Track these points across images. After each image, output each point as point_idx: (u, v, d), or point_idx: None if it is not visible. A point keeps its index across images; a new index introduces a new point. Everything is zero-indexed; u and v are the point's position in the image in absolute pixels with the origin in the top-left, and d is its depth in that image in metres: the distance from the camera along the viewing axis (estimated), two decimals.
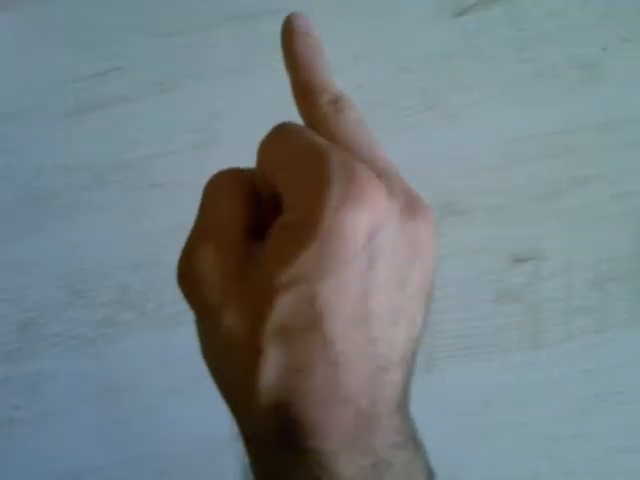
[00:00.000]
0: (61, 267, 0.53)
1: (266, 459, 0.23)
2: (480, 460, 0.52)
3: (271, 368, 0.21)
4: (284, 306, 0.21)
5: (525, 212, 0.53)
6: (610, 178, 0.53)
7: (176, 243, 0.59)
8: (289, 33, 0.27)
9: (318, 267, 0.20)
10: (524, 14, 0.54)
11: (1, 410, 0.54)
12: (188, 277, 0.24)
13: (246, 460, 0.23)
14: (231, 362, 0.23)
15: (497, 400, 0.52)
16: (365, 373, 0.21)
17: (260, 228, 0.24)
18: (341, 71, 0.53)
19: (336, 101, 0.25)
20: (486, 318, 0.53)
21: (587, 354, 0.52)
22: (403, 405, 0.22)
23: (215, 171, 0.57)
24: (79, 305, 0.53)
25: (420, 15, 0.54)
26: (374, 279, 0.21)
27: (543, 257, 0.53)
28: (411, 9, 0.54)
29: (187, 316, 0.57)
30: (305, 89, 0.26)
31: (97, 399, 0.54)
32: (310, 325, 0.21)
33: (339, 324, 0.21)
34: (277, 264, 0.21)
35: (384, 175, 0.23)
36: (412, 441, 0.23)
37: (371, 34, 0.54)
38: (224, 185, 0.26)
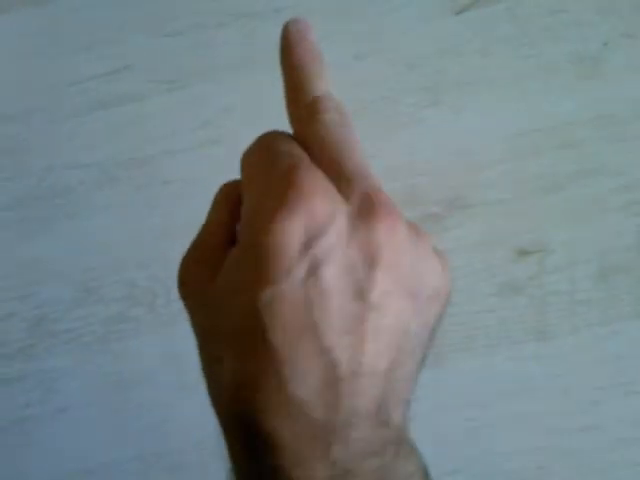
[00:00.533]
0: (71, 264, 0.55)
1: (241, 468, 0.24)
2: (487, 452, 0.53)
3: (228, 380, 0.22)
4: (232, 319, 0.22)
5: (529, 206, 0.54)
6: (613, 171, 0.54)
7: (185, 240, 0.61)
8: (287, 36, 0.27)
9: (256, 280, 0.21)
10: (525, 10, 0.55)
11: (14, 408, 0.55)
12: (179, 282, 0.27)
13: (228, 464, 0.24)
14: (206, 371, 0.25)
15: (502, 393, 0.53)
16: (317, 384, 0.21)
17: None
18: (344, 68, 0.55)
19: (319, 102, 0.25)
20: (491, 311, 0.54)
21: (592, 346, 0.53)
22: (380, 412, 0.22)
23: (223, 170, 0.59)
24: (90, 302, 0.55)
25: (422, 13, 0.55)
26: (317, 287, 0.21)
27: (547, 250, 0.54)
28: (413, 7, 0.55)
29: None
30: (294, 91, 0.26)
31: (109, 395, 0.55)
32: (256, 337, 0.21)
33: (283, 335, 0.21)
34: (226, 276, 0.23)
35: (345, 178, 0.22)
36: (394, 446, 0.22)
37: (374, 32, 0.55)
38: (217, 196, 0.28)
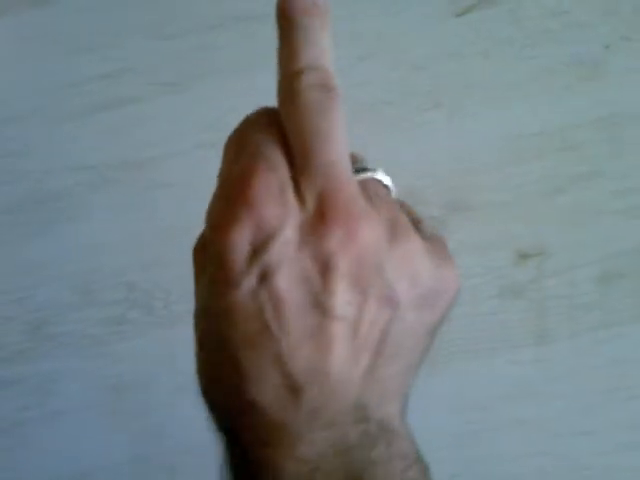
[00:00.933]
0: (70, 267, 0.55)
1: (225, 459, 0.25)
2: (486, 456, 0.53)
3: (199, 369, 0.23)
4: (200, 318, 0.23)
5: (529, 208, 0.54)
6: (613, 174, 0.54)
7: (184, 242, 0.61)
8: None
9: (212, 290, 0.22)
10: (526, 12, 0.55)
11: (13, 410, 0.55)
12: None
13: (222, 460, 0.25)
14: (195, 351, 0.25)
15: (502, 396, 0.53)
16: (275, 389, 0.21)
17: None
18: (346, 70, 0.55)
19: (302, 76, 0.23)
20: (491, 314, 0.54)
21: (592, 350, 0.54)
22: (357, 411, 0.22)
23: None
24: (88, 304, 0.55)
25: (423, 15, 0.55)
26: (270, 296, 0.21)
27: (548, 253, 0.54)
28: (414, 9, 0.55)
29: (192, 315, 0.58)
30: (282, 55, 0.24)
31: (107, 398, 0.55)
32: (217, 341, 0.22)
33: (240, 342, 0.21)
34: (197, 274, 0.24)
35: (307, 175, 0.21)
36: (379, 439, 0.23)
37: (375, 34, 0.55)
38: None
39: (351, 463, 0.22)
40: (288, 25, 0.24)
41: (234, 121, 0.56)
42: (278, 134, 0.23)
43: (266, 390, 0.21)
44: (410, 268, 0.22)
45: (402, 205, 0.25)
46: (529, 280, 0.54)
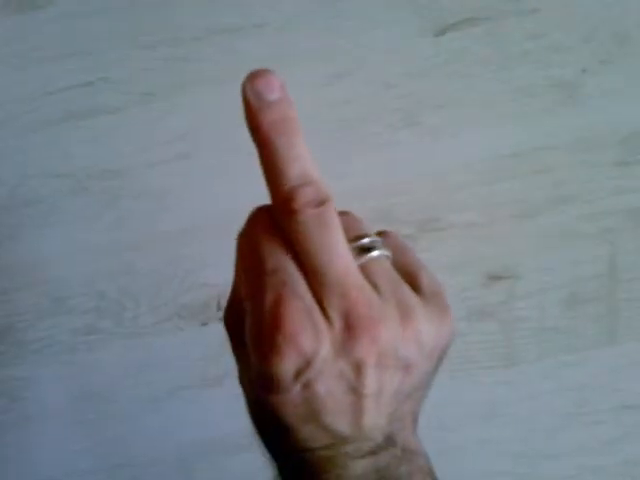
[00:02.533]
0: (41, 274, 0.57)
1: None
2: (452, 476, 0.55)
3: (261, 437, 0.30)
4: (252, 407, 0.30)
5: (501, 230, 0.56)
6: (586, 198, 0.56)
7: (156, 252, 0.63)
8: (247, 104, 0.26)
9: (262, 390, 0.27)
10: (505, 34, 0.57)
11: None
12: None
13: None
14: None
15: (468, 417, 0.55)
16: (324, 440, 0.28)
17: None
18: (322, 87, 0.57)
19: (294, 197, 0.25)
20: (460, 335, 0.55)
21: (559, 373, 0.55)
22: (388, 441, 0.28)
23: (195, 184, 0.60)
24: (58, 312, 0.56)
25: (402, 33, 0.57)
26: (312, 394, 0.27)
27: (518, 276, 0.56)
28: (393, 27, 0.57)
29: (163, 326, 0.60)
30: (268, 174, 0.26)
31: (75, 406, 0.57)
32: (272, 420, 0.28)
33: (291, 420, 0.27)
34: (243, 370, 0.30)
35: (327, 293, 0.26)
36: (402, 458, 0.29)
37: (353, 51, 0.57)
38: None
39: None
40: (265, 145, 0.26)
41: (207, 133, 0.58)
42: (283, 245, 0.27)
43: (316, 441, 0.28)
44: (418, 339, 0.27)
45: (399, 257, 0.30)
46: (498, 302, 0.56)
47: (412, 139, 0.57)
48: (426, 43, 0.57)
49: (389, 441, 0.28)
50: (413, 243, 0.56)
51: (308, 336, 0.25)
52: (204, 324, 0.55)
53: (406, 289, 0.28)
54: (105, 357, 0.57)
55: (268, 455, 0.30)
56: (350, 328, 0.26)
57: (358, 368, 0.26)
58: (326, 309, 0.26)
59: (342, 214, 0.28)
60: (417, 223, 0.56)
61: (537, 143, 0.56)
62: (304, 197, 0.25)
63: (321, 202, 0.25)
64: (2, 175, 0.57)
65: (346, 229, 0.27)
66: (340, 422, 0.27)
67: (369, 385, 0.27)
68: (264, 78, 0.26)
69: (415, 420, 0.30)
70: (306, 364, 0.26)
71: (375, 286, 0.27)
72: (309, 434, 0.28)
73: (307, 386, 0.26)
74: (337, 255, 0.26)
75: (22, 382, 0.57)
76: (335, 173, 0.57)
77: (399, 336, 0.27)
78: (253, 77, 0.26)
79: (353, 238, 0.28)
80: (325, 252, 0.26)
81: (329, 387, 0.27)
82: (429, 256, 0.58)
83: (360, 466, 0.28)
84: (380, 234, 0.31)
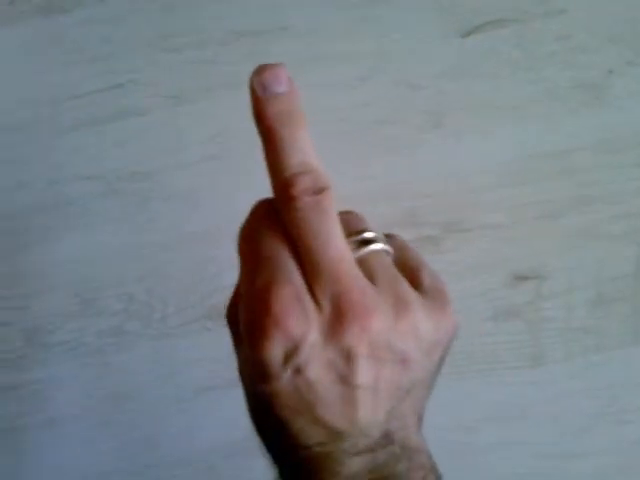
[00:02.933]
0: (70, 276, 0.57)
1: None
2: (478, 476, 0.55)
3: (258, 432, 0.30)
4: (249, 399, 0.29)
5: (527, 231, 0.57)
6: (612, 198, 0.57)
7: (185, 254, 0.63)
8: (253, 95, 0.27)
9: (255, 379, 0.27)
10: (531, 36, 0.57)
11: (8, 418, 0.58)
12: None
13: None
14: None
15: (495, 417, 0.56)
16: (318, 436, 0.27)
17: None
18: (347, 89, 0.57)
19: (292, 183, 0.26)
20: (487, 335, 0.56)
21: (587, 373, 0.56)
22: (386, 438, 0.28)
23: (224, 185, 0.61)
24: (86, 314, 0.57)
25: (428, 35, 0.57)
26: (304, 381, 0.26)
27: (544, 276, 0.56)
28: (420, 29, 0.58)
29: (190, 327, 0.60)
30: (269, 162, 0.27)
31: (102, 407, 0.57)
32: (267, 413, 0.28)
33: (285, 411, 0.27)
34: (239, 361, 0.30)
35: (318, 278, 0.26)
36: (401, 456, 0.28)
37: (379, 53, 0.57)
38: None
39: (381, 476, 0.28)
40: (269, 135, 0.27)
41: (235, 135, 0.59)
42: (282, 233, 0.27)
43: (310, 436, 0.27)
44: (414, 333, 0.27)
45: (399, 254, 0.30)
46: (525, 302, 0.56)
47: (437, 140, 0.58)
48: (452, 45, 0.57)
49: (387, 439, 0.28)
50: (438, 244, 0.57)
51: (296, 319, 0.26)
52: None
53: (404, 284, 0.28)
54: (132, 358, 0.57)
55: (268, 456, 0.30)
56: (340, 314, 0.26)
57: (348, 357, 0.26)
58: (317, 294, 0.26)
59: (345, 212, 0.29)
60: (442, 224, 0.57)
61: (563, 144, 0.57)
62: (303, 184, 0.26)
63: (319, 190, 0.26)
64: (33, 178, 0.57)
65: (348, 224, 0.28)
66: (334, 415, 0.27)
67: (361, 376, 0.27)
68: (272, 71, 0.27)
69: (419, 419, 0.30)
70: (294, 348, 0.26)
71: (372, 279, 0.27)
72: (304, 429, 0.27)
73: (297, 373, 0.26)
74: (331, 242, 0.26)
75: (49, 384, 0.58)
76: (360, 175, 0.58)
77: (393, 328, 0.27)
78: (261, 70, 0.27)
79: (354, 232, 0.28)
80: (320, 238, 0.26)
81: (320, 375, 0.26)
82: (455, 257, 0.59)
83: (357, 463, 0.27)
84: (385, 236, 0.31)
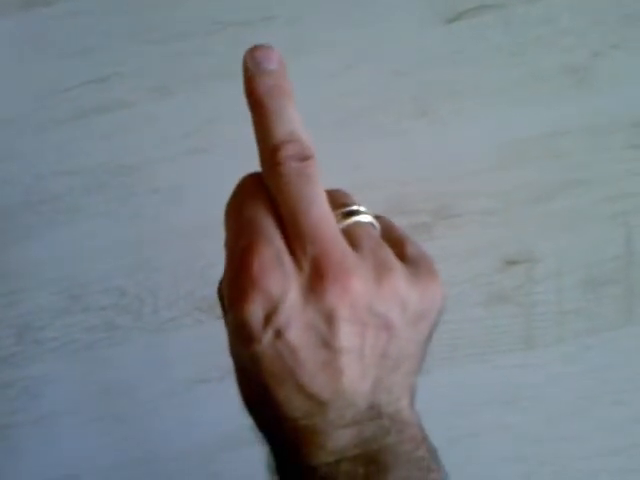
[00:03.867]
0: (59, 271, 0.58)
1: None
2: (471, 461, 0.56)
3: (242, 393, 0.31)
4: (236, 366, 0.29)
5: (517, 215, 0.57)
6: (601, 181, 0.57)
7: (173, 247, 0.63)
8: (245, 70, 0.29)
9: (238, 343, 0.28)
10: (516, 20, 0.58)
11: (0, 415, 0.58)
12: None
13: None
14: None
15: (489, 401, 0.56)
16: (302, 406, 0.28)
17: None
18: (333, 78, 0.58)
19: (278, 150, 0.27)
20: (478, 320, 0.57)
21: (579, 356, 0.57)
22: (372, 410, 0.28)
23: (211, 178, 0.61)
24: (76, 309, 0.57)
25: (413, 21, 0.58)
26: (285, 345, 0.27)
27: (535, 260, 0.57)
28: (404, 15, 0.58)
29: (182, 320, 0.61)
30: (258, 132, 0.28)
31: (95, 403, 0.58)
32: (251, 380, 0.28)
33: (269, 377, 0.27)
34: (226, 327, 0.29)
35: (299, 240, 0.26)
36: (392, 429, 0.29)
37: (364, 40, 0.58)
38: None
39: (369, 450, 0.28)
40: (258, 107, 0.28)
41: (222, 127, 0.59)
42: (267, 201, 0.28)
43: (295, 407, 0.28)
44: (398, 298, 0.28)
45: (386, 229, 0.31)
46: (516, 286, 0.57)
47: (424, 127, 0.58)
48: (437, 31, 0.58)
49: (374, 411, 0.28)
50: (429, 231, 0.57)
51: (275, 279, 0.26)
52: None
53: (388, 252, 0.28)
54: (124, 353, 0.58)
55: (260, 434, 0.30)
56: (320, 274, 0.26)
57: (329, 319, 0.26)
58: (297, 255, 0.26)
59: (334, 189, 0.30)
60: (432, 211, 0.57)
61: (550, 128, 0.58)
62: (288, 151, 0.27)
63: (304, 157, 0.27)
64: (17, 174, 0.58)
65: (336, 199, 0.29)
66: (317, 383, 0.27)
67: (344, 339, 0.27)
68: (264, 50, 0.29)
69: (412, 395, 0.30)
70: (274, 308, 0.26)
71: (355, 246, 0.28)
72: (288, 398, 0.27)
73: (278, 335, 0.26)
74: (314, 205, 0.27)
75: (40, 380, 0.58)
76: (348, 164, 0.58)
77: (375, 292, 0.27)
78: (254, 49, 0.29)
79: (341, 205, 0.29)
80: (303, 202, 0.27)
81: (301, 338, 0.26)
82: (445, 243, 0.59)
83: (343, 436, 0.28)
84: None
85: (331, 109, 0.57)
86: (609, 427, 0.56)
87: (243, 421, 0.59)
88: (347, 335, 0.27)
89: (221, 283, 0.31)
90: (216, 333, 0.57)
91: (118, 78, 0.57)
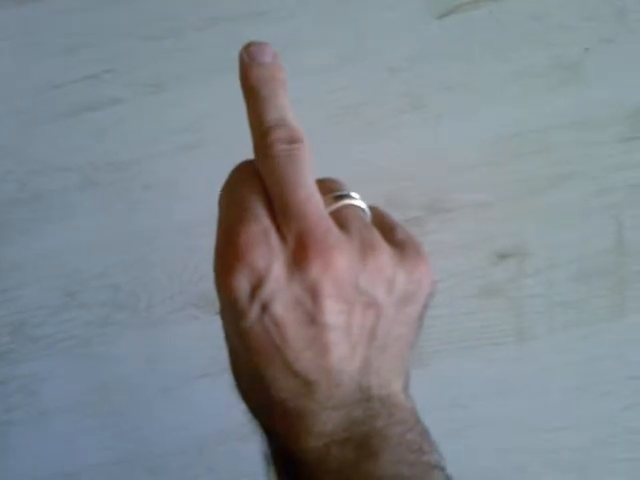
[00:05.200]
0: (54, 268, 0.58)
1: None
2: (466, 453, 0.57)
3: (235, 373, 0.31)
4: (227, 345, 0.30)
5: (508, 209, 0.58)
6: (592, 174, 0.58)
7: (168, 243, 0.64)
8: (241, 61, 0.30)
9: (227, 317, 0.28)
10: (507, 15, 0.59)
11: None
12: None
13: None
14: None
15: (482, 393, 0.57)
16: (292, 386, 0.28)
17: None
18: (326, 73, 0.58)
19: (269, 133, 0.28)
20: (471, 313, 0.58)
21: (570, 347, 0.58)
22: (362, 392, 0.29)
23: (204, 173, 0.62)
24: (72, 306, 0.58)
25: (404, 16, 0.59)
26: (271, 320, 0.27)
27: (526, 253, 0.58)
28: (395, 10, 0.59)
29: (177, 315, 0.61)
30: (251, 117, 0.30)
31: (91, 399, 0.58)
32: (240, 357, 0.29)
33: (257, 354, 0.28)
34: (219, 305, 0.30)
35: (285, 217, 0.27)
36: (382, 412, 0.29)
37: (355, 35, 0.58)
38: None
39: (358, 434, 0.28)
40: (252, 93, 0.30)
41: (214, 122, 0.60)
42: (258, 185, 0.29)
43: (282, 387, 0.28)
44: (384, 276, 0.28)
45: (377, 216, 0.31)
46: (508, 279, 0.58)
47: (417, 122, 0.59)
48: (429, 26, 0.59)
49: (364, 394, 0.28)
50: (422, 225, 0.58)
51: (260, 252, 0.26)
52: (218, 312, 0.57)
53: (376, 234, 0.29)
54: (120, 349, 0.58)
55: (254, 422, 0.31)
56: (303, 248, 0.27)
57: (314, 293, 0.27)
58: (283, 231, 0.27)
59: (327, 178, 0.31)
60: (425, 205, 0.58)
61: (541, 122, 0.59)
62: (278, 134, 0.28)
63: (293, 140, 0.28)
64: (11, 170, 0.58)
65: (328, 185, 0.30)
66: (304, 359, 0.27)
67: (329, 315, 0.27)
68: (260, 46, 0.31)
69: (404, 375, 0.30)
70: (259, 282, 0.26)
71: (343, 227, 0.28)
72: (276, 378, 0.28)
73: (265, 309, 0.27)
74: (302, 184, 0.28)
75: (37, 377, 0.59)
76: (341, 158, 0.59)
77: (360, 269, 0.27)
78: (250, 44, 0.31)
79: (332, 190, 0.30)
80: (291, 182, 0.28)
81: (287, 313, 0.27)
82: (438, 237, 0.60)
83: (332, 418, 0.28)
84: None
85: (324, 104, 0.58)
86: (600, 417, 0.57)
87: (240, 416, 0.60)
88: (332, 311, 0.27)
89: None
90: (212, 329, 0.58)
91: (110, 74, 0.58)
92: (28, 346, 0.58)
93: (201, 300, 0.57)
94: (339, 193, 0.30)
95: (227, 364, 0.61)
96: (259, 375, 0.28)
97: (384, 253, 0.28)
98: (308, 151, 0.28)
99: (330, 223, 0.28)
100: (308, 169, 0.28)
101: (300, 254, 0.27)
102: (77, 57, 0.57)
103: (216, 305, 0.59)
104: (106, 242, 0.58)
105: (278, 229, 0.27)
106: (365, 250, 0.28)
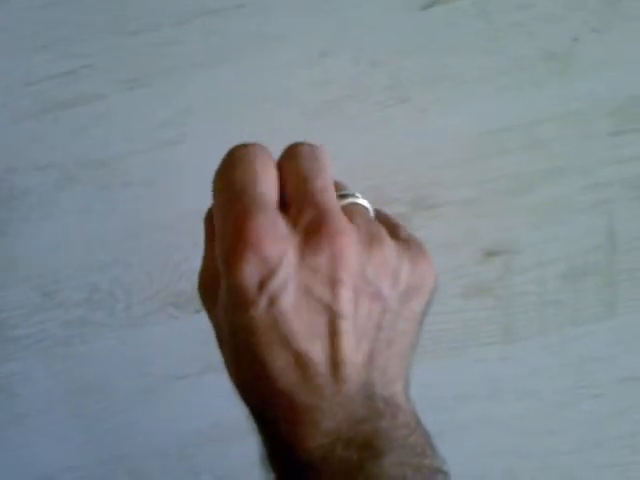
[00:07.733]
0: (31, 268, 0.58)
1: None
2: (453, 456, 0.56)
3: (232, 374, 0.30)
4: (226, 336, 0.29)
5: (496, 206, 0.57)
6: (581, 169, 0.57)
7: (147, 241, 0.63)
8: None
9: (232, 310, 0.28)
10: (493, 5, 0.58)
11: None
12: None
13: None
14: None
15: (469, 395, 0.57)
16: (298, 378, 0.28)
17: None
18: (308, 66, 0.57)
19: (295, 145, 0.30)
20: (458, 312, 0.57)
21: (560, 348, 0.57)
22: (366, 389, 0.29)
23: (184, 170, 0.61)
24: (50, 306, 0.58)
25: (388, 8, 0.58)
26: (279, 311, 0.27)
27: (515, 251, 0.57)
28: (378, 2, 0.58)
29: (156, 315, 0.61)
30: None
31: (70, 400, 0.58)
32: (246, 351, 0.28)
33: (261, 346, 0.28)
34: (220, 301, 0.29)
35: (297, 202, 0.28)
36: (385, 412, 0.29)
37: (338, 28, 0.58)
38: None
39: (363, 433, 0.28)
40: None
41: (195, 118, 0.59)
42: (255, 171, 0.29)
43: (291, 381, 0.28)
44: (389, 269, 0.29)
45: (380, 215, 0.32)
46: (495, 278, 0.57)
47: (402, 116, 0.58)
48: (412, 18, 0.58)
49: (367, 390, 0.29)
50: (408, 222, 0.57)
51: (271, 242, 0.27)
52: (198, 311, 0.56)
53: (381, 228, 0.29)
54: (99, 349, 0.58)
55: (252, 418, 0.30)
56: (315, 233, 0.27)
57: (329, 279, 0.27)
58: (293, 217, 0.28)
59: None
60: (411, 201, 0.57)
61: (530, 116, 0.57)
62: (302, 144, 0.30)
63: (316, 146, 0.30)
64: None
65: (334, 185, 0.30)
66: (314, 351, 0.27)
67: (342, 302, 0.27)
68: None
69: (405, 378, 0.31)
70: (269, 272, 0.27)
71: (349, 220, 0.29)
72: (283, 369, 0.28)
73: (274, 300, 0.27)
74: (321, 177, 0.29)
75: (15, 378, 0.58)
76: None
77: (367, 259, 0.28)
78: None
79: (338, 189, 0.31)
80: (311, 172, 0.29)
81: (298, 302, 0.27)
82: (424, 234, 0.58)
83: (337, 415, 0.28)
84: None
85: (307, 99, 0.57)
86: (589, 420, 0.56)
87: (221, 417, 0.59)
88: (344, 298, 0.27)
89: (202, 276, 0.31)
90: (190, 329, 0.58)
91: (89, 70, 0.57)
92: (5, 347, 0.58)
93: (180, 299, 0.57)
94: (345, 192, 0.31)
95: (207, 365, 0.60)
96: (267, 369, 0.28)
97: (389, 246, 0.29)
98: (328, 154, 0.30)
99: (340, 215, 0.28)
100: (329, 167, 0.29)
101: (312, 239, 0.27)
102: (53, 53, 0.57)
103: (196, 304, 0.58)
104: (85, 241, 0.57)
105: (288, 216, 0.28)
106: (372, 242, 0.28)
